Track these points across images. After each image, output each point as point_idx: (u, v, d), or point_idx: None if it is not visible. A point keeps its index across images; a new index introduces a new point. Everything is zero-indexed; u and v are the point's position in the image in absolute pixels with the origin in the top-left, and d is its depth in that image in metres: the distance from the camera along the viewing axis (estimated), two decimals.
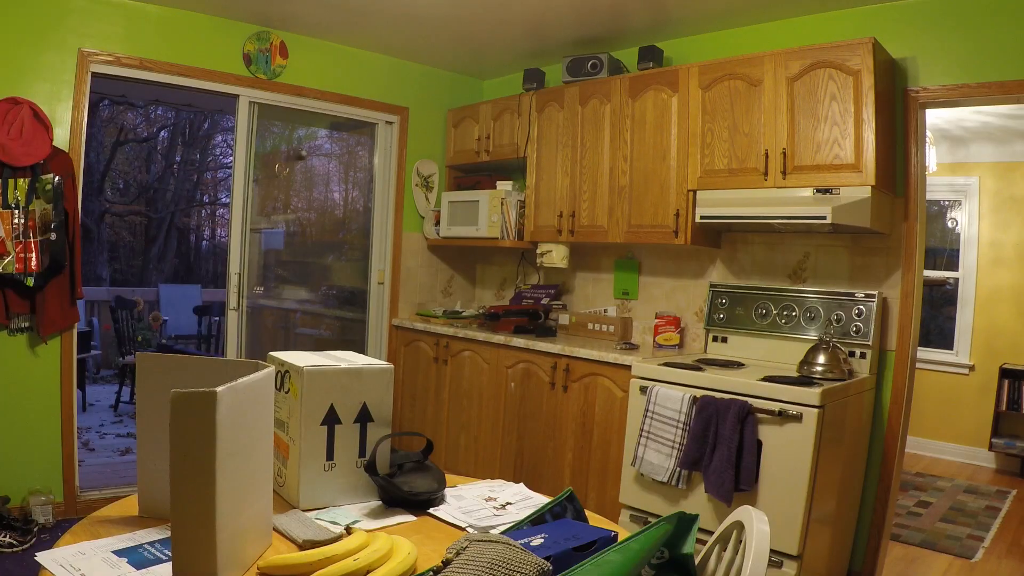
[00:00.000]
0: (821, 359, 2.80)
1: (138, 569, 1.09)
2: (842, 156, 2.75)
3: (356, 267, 4.66)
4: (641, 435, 2.84)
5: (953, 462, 5.37)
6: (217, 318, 6.87)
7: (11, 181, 3.05)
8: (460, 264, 4.82)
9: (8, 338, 3.21)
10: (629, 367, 3.05)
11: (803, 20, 3.28)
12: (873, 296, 2.94)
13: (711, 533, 1.32)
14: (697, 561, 1.16)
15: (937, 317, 5.77)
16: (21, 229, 3.07)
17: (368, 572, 1.10)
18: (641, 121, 3.45)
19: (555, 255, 3.91)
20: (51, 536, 3.12)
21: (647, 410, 2.83)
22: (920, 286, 3.00)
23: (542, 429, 3.48)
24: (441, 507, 1.49)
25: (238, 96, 3.86)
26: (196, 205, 10.35)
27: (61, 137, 3.26)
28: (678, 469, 2.71)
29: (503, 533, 1.16)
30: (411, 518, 1.43)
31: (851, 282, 3.11)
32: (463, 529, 1.38)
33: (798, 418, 2.46)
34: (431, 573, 1.01)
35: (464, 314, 4.34)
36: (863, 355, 2.94)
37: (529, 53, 4.17)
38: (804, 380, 2.65)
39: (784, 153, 2.91)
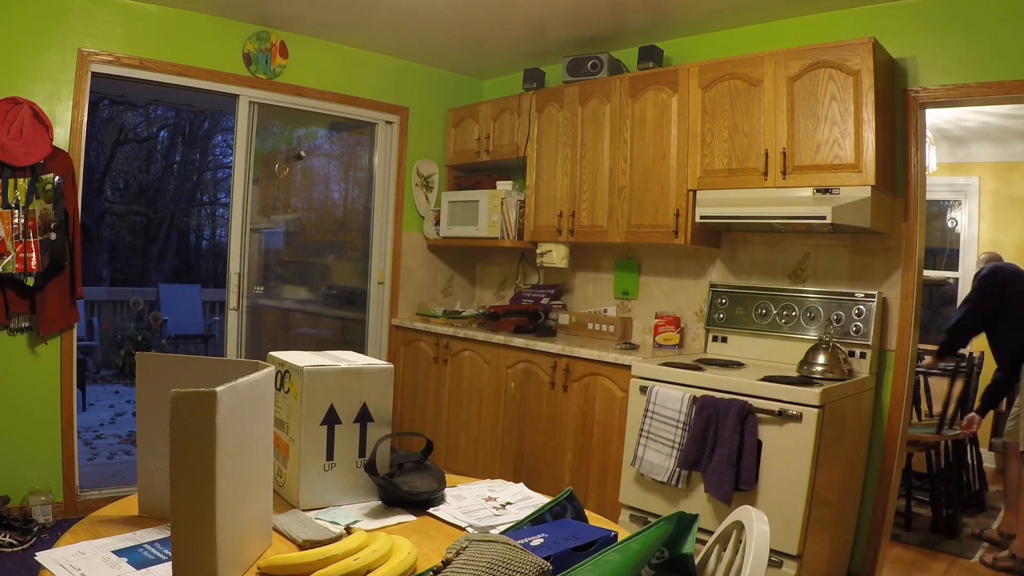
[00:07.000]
0: (821, 359, 2.80)
1: (138, 569, 1.09)
2: (842, 156, 2.75)
3: (356, 267, 4.66)
4: (641, 435, 2.84)
5: None
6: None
7: (11, 181, 3.05)
8: (460, 264, 4.82)
9: (8, 338, 3.21)
10: (629, 367, 3.04)
11: (803, 20, 3.28)
12: (873, 296, 2.94)
13: (711, 533, 1.32)
14: (697, 561, 1.16)
15: (937, 317, 5.76)
16: (21, 229, 3.07)
17: (368, 572, 1.10)
18: (641, 121, 3.44)
19: (555, 255, 3.90)
20: (51, 536, 3.12)
21: (647, 410, 2.83)
22: (920, 286, 3.00)
23: (542, 429, 3.48)
24: (441, 507, 1.49)
25: (238, 96, 3.86)
26: (196, 205, 10.35)
27: (61, 137, 3.26)
28: (678, 469, 2.71)
29: (503, 533, 1.16)
30: (411, 518, 1.43)
31: (851, 282, 3.11)
32: (463, 529, 1.38)
33: (798, 418, 2.46)
34: (431, 573, 1.01)
35: (464, 314, 4.34)
36: (863, 355, 2.94)
37: (529, 53, 4.17)
38: (804, 380, 2.65)
39: (784, 153, 2.91)
